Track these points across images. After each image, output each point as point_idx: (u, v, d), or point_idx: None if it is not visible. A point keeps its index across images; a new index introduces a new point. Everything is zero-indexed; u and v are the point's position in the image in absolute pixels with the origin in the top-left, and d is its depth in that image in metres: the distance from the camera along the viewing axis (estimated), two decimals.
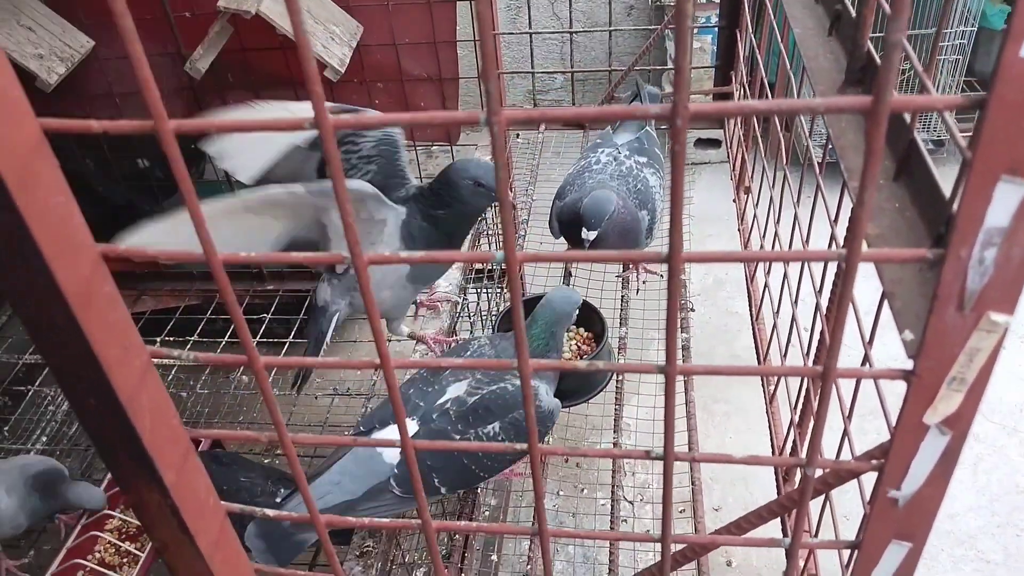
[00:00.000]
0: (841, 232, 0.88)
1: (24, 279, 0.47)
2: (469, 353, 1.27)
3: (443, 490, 1.20)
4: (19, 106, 0.45)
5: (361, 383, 2.24)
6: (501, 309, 1.78)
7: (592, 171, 1.51)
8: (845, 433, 0.77)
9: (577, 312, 1.30)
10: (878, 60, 0.68)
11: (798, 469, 0.53)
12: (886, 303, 0.56)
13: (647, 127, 1.62)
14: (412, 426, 1.20)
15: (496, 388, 1.19)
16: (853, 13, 0.74)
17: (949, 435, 0.49)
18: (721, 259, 0.45)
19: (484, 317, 1.86)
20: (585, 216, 1.34)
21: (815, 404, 0.95)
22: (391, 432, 1.17)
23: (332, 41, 1.73)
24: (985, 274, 0.41)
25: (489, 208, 1.55)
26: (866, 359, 0.75)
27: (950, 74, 3.18)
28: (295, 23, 0.36)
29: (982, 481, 2.30)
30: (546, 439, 1.44)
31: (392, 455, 1.16)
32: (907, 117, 0.60)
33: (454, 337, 1.63)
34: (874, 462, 0.53)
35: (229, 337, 2.12)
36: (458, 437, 1.17)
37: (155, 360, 0.56)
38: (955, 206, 0.53)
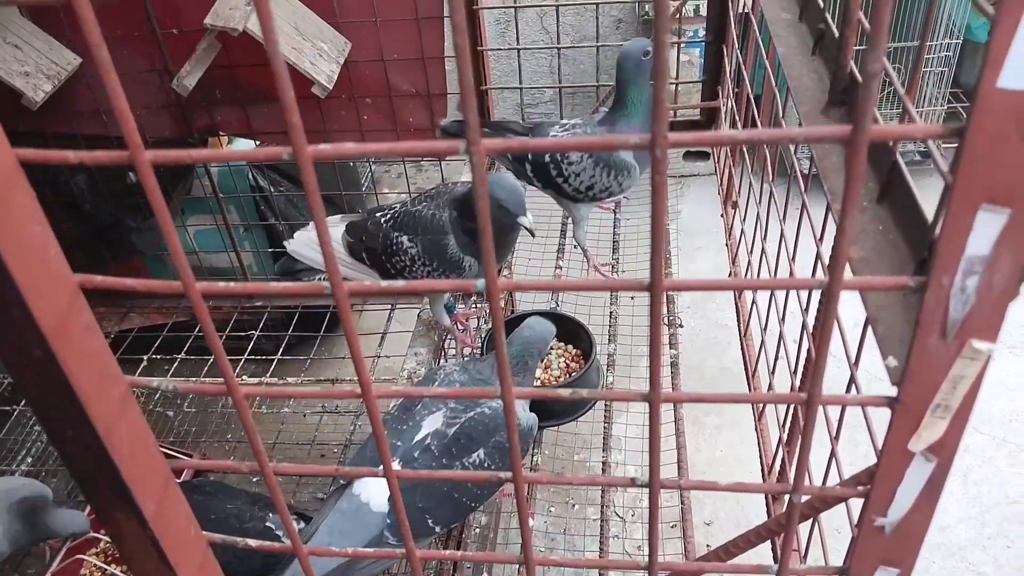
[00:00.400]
0: (827, 250, 0.88)
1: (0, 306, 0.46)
2: (438, 384, 1.25)
3: (437, 528, 1.18)
4: None
5: (350, 401, 2.23)
6: (488, 328, 1.78)
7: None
8: (832, 454, 0.77)
9: (551, 342, 1.30)
10: (859, 77, 0.69)
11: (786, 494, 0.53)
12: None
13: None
14: (394, 468, 1.17)
15: (474, 414, 1.17)
16: (836, 33, 0.74)
17: (934, 462, 0.49)
18: (704, 287, 0.44)
19: (472, 333, 1.85)
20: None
21: (813, 427, 0.95)
22: (369, 482, 1.14)
23: (320, 58, 1.73)
24: (967, 302, 0.41)
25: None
26: (852, 381, 0.75)
27: (935, 86, 3.20)
28: (271, 54, 0.36)
29: (972, 492, 2.31)
30: (533, 456, 1.43)
31: (380, 504, 1.12)
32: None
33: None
34: (860, 488, 0.53)
35: (209, 347, 2.10)
36: (445, 471, 1.15)
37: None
38: (937, 230, 0.53)
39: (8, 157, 0.45)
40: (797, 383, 0.97)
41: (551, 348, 1.56)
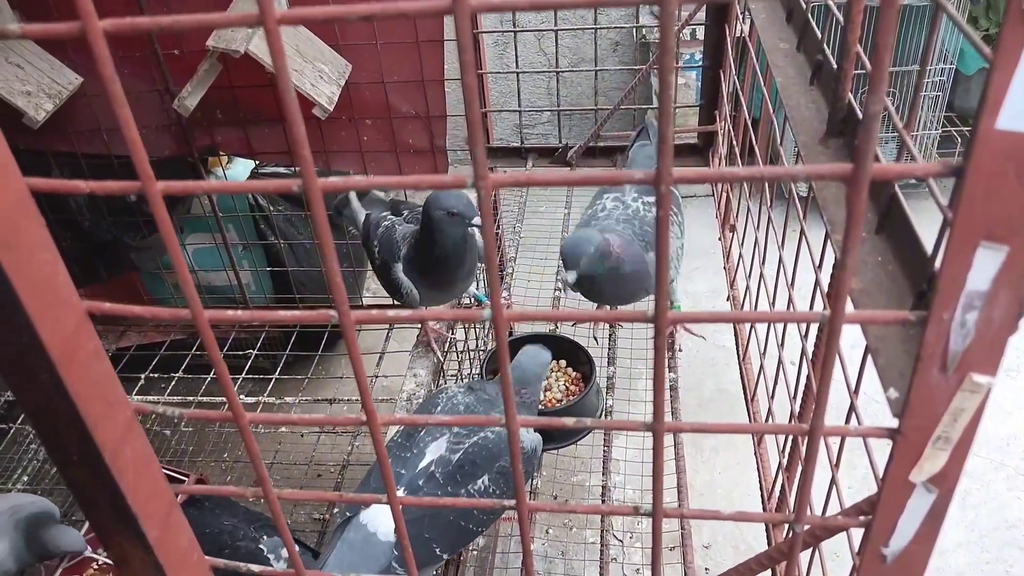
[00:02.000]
0: (825, 277, 0.89)
1: (7, 336, 0.46)
2: (441, 408, 1.25)
3: (444, 556, 1.17)
4: (5, 165, 0.45)
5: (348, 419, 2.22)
6: (489, 347, 1.78)
7: (597, 219, 1.47)
8: (832, 481, 0.77)
9: (546, 372, 1.32)
10: (859, 112, 0.70)
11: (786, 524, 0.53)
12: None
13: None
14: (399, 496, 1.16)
15: (477, 439, 1.17)
16: (834, 63, 0.75)
17: (936, 493, 0.49)
18: (706, 320, 0.45)
19: (472, 354, 1.86)
20: (563, 257, 1.32)
21: (802, 449, 0.95)
22: (377, 510, 1.13)
23: (321, 79, 1.74)
24: (967, 336, 0.42)
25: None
26: (852, 409, 0.75)
27: (930, 110, 3.23)
28: (285, 101, 0.37)
29: (970, 517, 2.30)
30: (533, 479, 1.43)
31: (388, 533, 1.11)
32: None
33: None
34: (861, 518, 0.53)
35: (215, 374, 2.10)
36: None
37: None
38: (937, 263, 0.54)
39: (19, 186, 0.45)
40: (796, 408, 0.97)
41: (551, 371, 1.56)
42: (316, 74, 1.73)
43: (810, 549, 0.87)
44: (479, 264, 1.48)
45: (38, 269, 0.46)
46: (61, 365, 0.47)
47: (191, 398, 2.06)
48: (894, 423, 0.47)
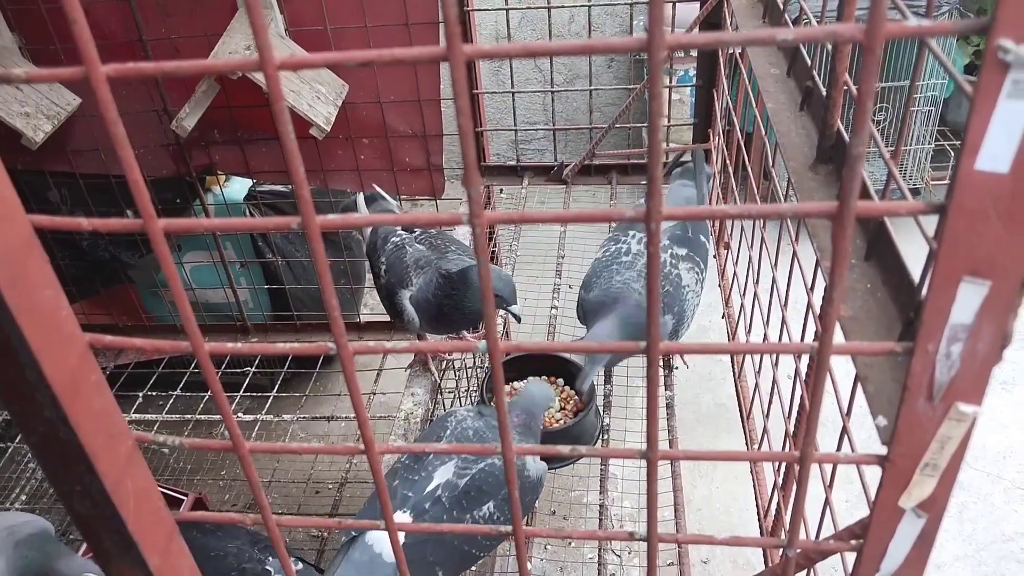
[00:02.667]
0: (817, 299, 0.90)
1: (12, 372, 0.47)
2: (450, 432, 1.25)
3: None
4: (10, 205, 0.46)
5: (346, 437, 2.23)
6: (487, 366, 1.79)
7: (620, 263, 1.44)
8: (826, 502, 0.78)
9: (551, 406, 1.34)
10: (847, 137, 0.71)
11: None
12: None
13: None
14: (405, 519, 1.15)
15: (485, 466, 1.17)
16: (823, 90, 0.76)
17: (925, 518, 0.50)
18: (698, 351, 0.46)
19: (469, 371, 1.86)
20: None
21: (807, 485, 0.96)
22: (382, 532, 1.14)
23: (318, 100, 1.76)
24: (952, 367, 0.43)
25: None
26: (844, 432, 0.76)
27: (923, 125, 3.25)
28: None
29: (968, 530, 2.31)
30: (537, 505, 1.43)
31: (392, 554, 1.12)
32: (876, 199, 0.62)
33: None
34: (853, 542, 0.54)
35: (214, 400, 2.10)
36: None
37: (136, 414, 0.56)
38: (923, 292, 0.55)
39: (24, 226, 0.46)
40: (791, 428, 0.98)
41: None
42: (313, 95, 1.75)
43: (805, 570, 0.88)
44: None
45: (43, 306, 0.46)
46: (64, 399, 0.48)
47: (189, 416, 2.07)
48: (883, 450, 0.48)
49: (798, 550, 0.54)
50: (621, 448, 0.51)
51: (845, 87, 0.68)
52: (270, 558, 1.33)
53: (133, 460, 0.56)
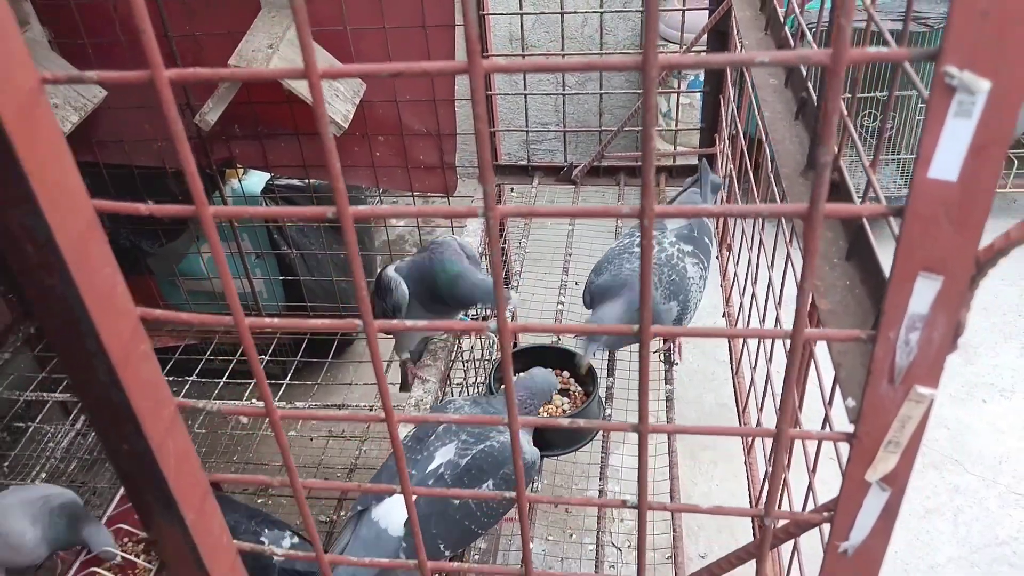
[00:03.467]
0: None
1: (75, 341, 0.53)
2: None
3: (447, 553, 1.24)
4: (77, 193, 0.51)
5: (355, 425, 2.29)
6: (495, 358, 1.84)
7: (632, 253, 1.51)
8: (810, 488, 0.83)
9: (553, 393, 1.40)
10: (836, 147, 0.76)
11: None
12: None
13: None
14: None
15: (484, 447, 1.24)
16: (815, 100, 0.82)
17: (889, 491, 0.55)
18: (684, 335, 0.51)
19: (477, 363, 1.92)
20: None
21: (784, 459, 1.01)
22: (388, 505, 1.20)
23: (336, 98, 1.82)
24: (911, 353, 0.48)
25: None
26: (826, 420, 0.81)
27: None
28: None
29: (962, 533, 2.35)
30: (535, 485, 1.49)
31: (397, 528, 1.18)
32: (857, 201, 0.67)
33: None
34: (826, 514, 0.59)
35: (227, 378, 2.17)
36: (457, 502, 1.20)
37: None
38: None
39: (88, 210, 0.52)
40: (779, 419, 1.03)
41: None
42: (332, 93, 1.81)
43: (792, 547, 0.93)
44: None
45: (103, 283, 0.52)
46: (118, 366, 0.54)
47: (203, 402, 2.13)
48: (851, 429, 0.53)
49: (776, 520, 0.60)
50: (615, 422, 0.56)
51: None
52: (266, 530, 1.39)
53: (175, 424, 0.62)
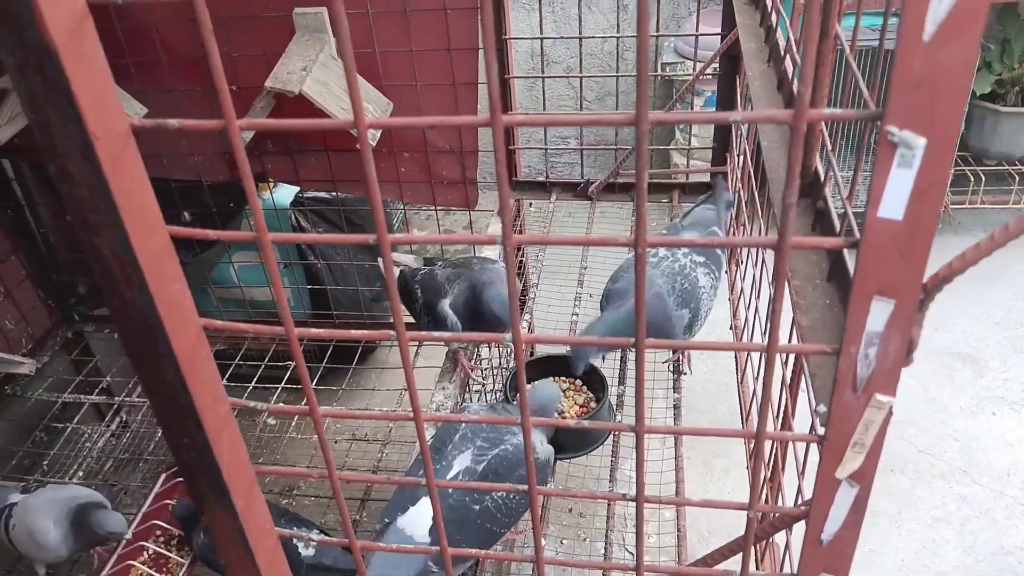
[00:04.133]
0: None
1: (149, 345, 0.61)
2: (465, 424, 1.40)
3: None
4: (155, 218, 0.60)
5: (377, 429, 2.38)
6: (511, 366, 1.92)
7: (648, 262, 1.56)
8: (799, 491, 0.90)
9: (556, 404, 1.48)
10: (822, 175, 0.83)
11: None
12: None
13: (715, 227, 1.67)
14: (430, 505, 1.30)
15: (499, 451, 1.31)
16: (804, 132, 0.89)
17: (857, 488, 0.63)
18: (671, 347, 0.59)
19: (495, 372, 2.00)
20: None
21: (782, 463, 1.08)
22: (413, 515, 1.27)
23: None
24: (870, 366, 0.55)
25: None
26: (812, 426, 0.88)
27: None
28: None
29: (968, 542, 2.39)
30: (548, 486, 1.57)
31: (423, 536, 1.24)
32: (837, 228, 0.75)
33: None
34: (804, 508, 0.66)
35: (255, 383, 2.26)
36: (477, 507, 1.27)
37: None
38: None
39: (164, 234, 0.61)
40: (778, 425, 1.10)
41: (566, 389, 1.70)
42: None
43: (784, 541, 1.00)
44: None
45: (174, 295, 0.61)
46: (184, 367, 0.62)
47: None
48: (823, 431, 0.60)
49: (758, 513, 0.67)
50: (615, 423, 0.64)
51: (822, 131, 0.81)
52: (295, 528, 1.48)
53: (229, 420, 0.70)
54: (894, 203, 0.49)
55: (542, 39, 2.06)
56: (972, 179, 3.45)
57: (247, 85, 2.02)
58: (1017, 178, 3.47)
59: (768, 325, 1.24)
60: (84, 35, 0.51)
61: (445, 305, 1.58)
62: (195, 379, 0.64)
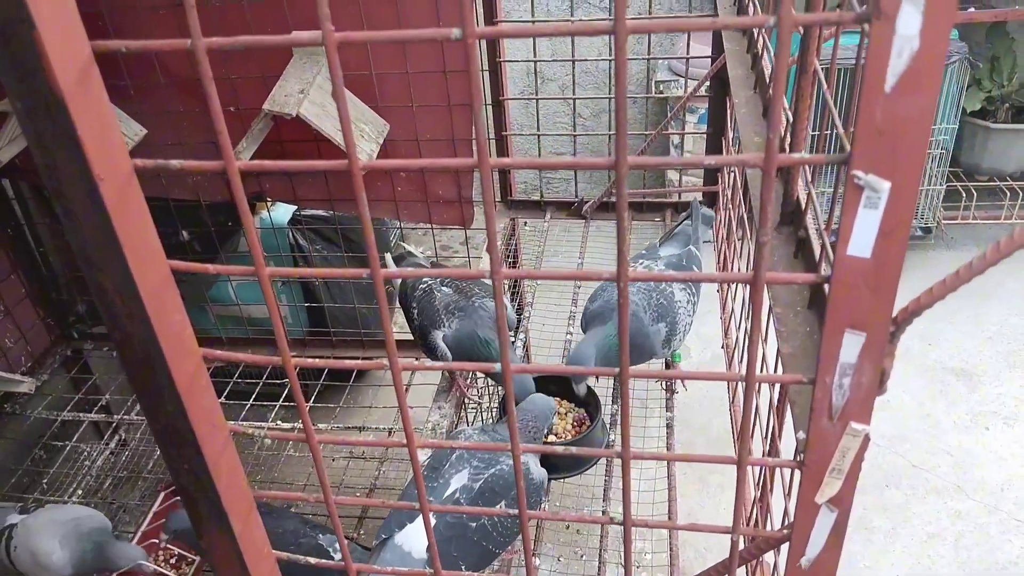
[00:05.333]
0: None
1: (149, 375, 0.64)
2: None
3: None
4: (156, 252, 0.62)
5: (375, 448, 2.39)
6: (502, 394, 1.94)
7: None
8: (785, 512, 0.92)
9: (552, 417, 1.50)
10: (803, 202, 0.86)
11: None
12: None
13: (691, 247, 1.70)
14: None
15: (495, 471, 1.33)
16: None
17: (836, 512, 0.65)
18: (656, 376, 0.61)
19: (491, 389, 2.02)
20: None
21: (770, 485, 1.10)
22: (410, 532, 1.28)
23: (361, 138, 1.94)
24: (844, 395, 0.57)
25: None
26: (797, 451, 0.90)
27: (937, 165, 3.38)
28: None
29: (963, 557, 2.41)
30: (542, 506, 1.58)
31: (420, 552, 1.25)
32: (818, 256, 0.77)
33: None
34: (786, 532, 0.68)
35: (253, 400, 2.27)
36: (474, 524, 1.29)
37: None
38: None
39: (164, 267, 0.63)
40: (766, 447, 1.12)
41: (560, 408, 1.72)
42: (358, 133, 1.92)
43: (774, 565, 1.02)
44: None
45: (174, 327, 0.63)
46: (184, 397, 0.64)
47: (230, 423, 2.24)
48: (801, 458, 0.62)
49: (741, 537, 0.69)
50: (602, 450, 0.66)
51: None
52: (320, 535, 1.51)
53: (228, 446, 0.72)
54: (862, 242, 0.51)
55: (535, 62, 2.10)
56: (964, 195, 3.49)
57: (246, 106, 2.05)
58: (1008, 193, 3.51)
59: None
60: (90, 81, 0.53)
61: (439, 337, 1.59)
62: (195, 408, 0.66)
